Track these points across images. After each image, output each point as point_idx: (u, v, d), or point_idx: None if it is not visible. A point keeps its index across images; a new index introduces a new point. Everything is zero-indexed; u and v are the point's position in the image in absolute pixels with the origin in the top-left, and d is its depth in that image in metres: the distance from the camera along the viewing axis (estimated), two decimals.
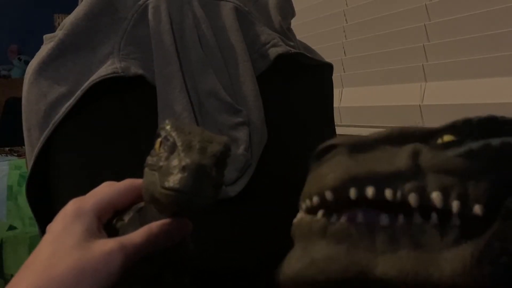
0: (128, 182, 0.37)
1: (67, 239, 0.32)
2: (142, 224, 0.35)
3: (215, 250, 0.52)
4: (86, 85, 0.50)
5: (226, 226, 0.53)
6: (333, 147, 0.32)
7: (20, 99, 0.55)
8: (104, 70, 0.51)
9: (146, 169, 0.34)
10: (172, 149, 0.33)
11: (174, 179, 0.30)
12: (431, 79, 0.96)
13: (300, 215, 0.32)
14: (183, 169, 0.30)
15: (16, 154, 2.21)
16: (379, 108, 1.07)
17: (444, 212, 0.27)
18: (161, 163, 0.32)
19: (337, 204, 0.30)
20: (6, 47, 3.26)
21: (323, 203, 0.30)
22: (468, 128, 0.28)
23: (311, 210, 0.31)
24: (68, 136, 0.52)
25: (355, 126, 1.16)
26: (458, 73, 0.90)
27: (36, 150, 0.52)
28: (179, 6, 0.55)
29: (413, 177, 0.27)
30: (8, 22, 3.26)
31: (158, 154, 0.34)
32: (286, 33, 0.62)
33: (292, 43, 0.61)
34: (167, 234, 0.34)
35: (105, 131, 0.52)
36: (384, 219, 0.27)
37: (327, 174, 0.30)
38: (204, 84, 0.54)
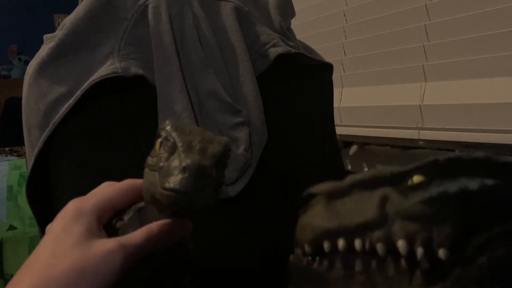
0: (128, 182, 0.37)
1: (67, 239, 0.32)
2: (142, 224, 0.35)
3: (215, 250, 0.52)
4: (86, 85, 0.50)
5: (226, 226, 0.53)
6: (313, 195, 0.36)
7: (20, 99, 0.55)
8: (104, 70, 0.51)
9: (146, 170, 0.34)
10: (173, 149, 0.33)
11: (174, 180, 0.30)
12: (431, 79, 0.96)
13: (292, 256, 0.36)
14: (184, 169, 0.30)
15: (16, 154, 2.21)
16: (379, 108, 1.07)
17: (411, 256, 0.29)
18: (161, 164, 0.32)
19: (317, 253, 0.34)
20: (6, 47, 3.26)
21: (304, 252, 0.34)
22: (436, 168, 0.30)
23: (300, 255, 0.36)
24: (68, 136, 0.52)
25: (355, 126, 1.16)
26: (458, 73, 0.90)
27: (36, 150, 0.52)
28: (179, 6, 0.55)
29: (381, 226, 0.30)
30: (8, 22, 3.26)
31: (158, 154, 0.34)
32: (286, 33, 0.62)
33: (292, 43, 0.61)
34: (167, 234, 0.34)
35: (105, 131, 0.52)
36: (358, 265, 0.31)
37: (307, 226, 0.35)
38: (204, 84, 0.54)
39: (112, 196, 0.36)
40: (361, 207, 0.31)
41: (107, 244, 0.32)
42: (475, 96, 0.85)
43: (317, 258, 0.34)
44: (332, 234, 0.32)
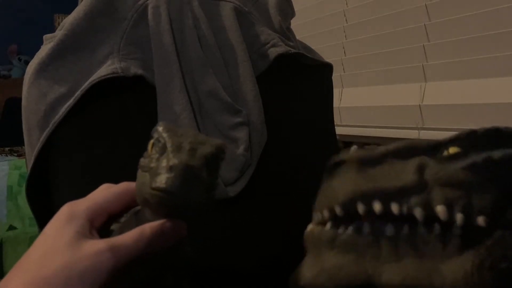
0: (124, 186, 0.38)
1: (58, 240, 0.33)
2: (137, 226, 0.35)
3: (214, 250, 0.52)
4: (86, 85, 0.50)
5: (225, 227, 0.53)
6: (342, 162, 0.33)
7: (20, 99, 0.55)
8: (104, 70, 0.51)
9: (139, 171, 0.34)
10: (163, 150, 0.33)
11: (161, 179, 0.31)
12: (431, 79, 0.96)
13: (311, 226, 0.33)
14: (170, 169, 0.31)
15: (16, 154, 2.22)
16: (379, 108, 1.07)
17: (447, 222, 0.28)
18: (152, 165, 0.33)
19: (346, 217, 0.32)
20: (6, 47, 3.26)
21: (333, 217, 0.32)
22: (472, 140, 0.29)
23: (322, 222, 0.33)
24: (68, 136, 0.52)
25: (355, 126, 1.16)
26: (458, 73, 0.90)
27: (36, 150, 0.52)
28: (178, 6, 0.55)
29: (419, 192, 0.28)
30: (8, 22, 3.26)
31: (150, 155, 0.34)
32: (286, 33, 0.62)
33: (292, 43, 0.61)
34: (160, 236, 0.34)
35: (105, 131, 0.52)
36: (389, 230, 0.29)
37: (337, 189, 0.32)
38: (203, 84, 0.54)
39: (105, 200, 0.36)
40: (397, 173, 0.30)
41: (97, 245, 0.32)
42: (475, 96, 0.85)
43: (341, 226, 0.31)
44: (367, 197, 0.30)
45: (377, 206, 0.29)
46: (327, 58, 0.68)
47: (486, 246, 0.26)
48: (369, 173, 0.31)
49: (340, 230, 0.31)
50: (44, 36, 0.57)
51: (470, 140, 0.29)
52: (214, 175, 0.33)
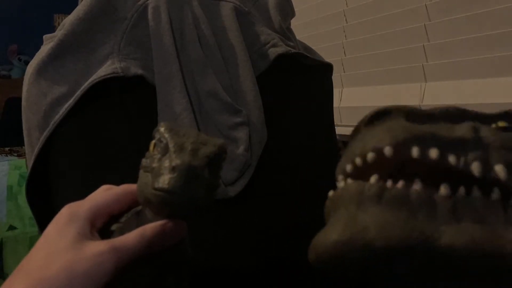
0: (124, 187, 0.38)
1: (60, 242, 0.33)
2: (138, 226, 0.35)
3: (214, 250, 0.52)
4: (86, 85, 0.50)
5: (225, 227, 0.53)
6: (387, 112, 0.29)
7: (20, 99, 0.55)
8: (104, 70, 0.51)
9: (141, 171, 0.34)
10: (165, 150, 0.33)
11: (163, 180, 0.31)
12: (431, 79, 0.96)
13: (343, 183, 0.28)
14: (173, 169, 0.31)
15: (16, 154, 2.21)
16: None
17: (503, 190, 0.26)
18: (154, 165, 0.33)
19: (394, 165, 0.27)
20: (6, 47, 3.26)
21: (377, 163, 0.27)
22: None
23: (358, 175, 0.28)
24: (68, 136, 0.52)
25: (355, 126, 1.16)
26: (458, 73, 0.90)
27: (36, 150, 0.52)
28: (178, 7, 0.55)
29: (476, 147, 0.26)
30: (8, 22, 3.26)
31: (152, 155, 0.34)
32: (286, 33, 0.62)
33: (292, 43, 0.61)
34: (161, 236, 0.34)
35: (105, 131, 0.52)
36: (444, 189, 0.26)
37: (384, 132, 0.27)
38: (203, 84, 0.54)
39: (106, 201, 0.36)
40: (450, 129, 0.27)
41: (98, 246, 0.32)
42: (475, 96, 0.85)
43: (389, 181, 0.27)
44: (424, 141, 0.26)
45: (434, 153, 0.26)
46: (327, 58, 0.68)
47: None
48: (420, 125, 0.27)
49: (389, 184, 0.26)
50: (44, 36, 0.57)
51: None
52: (216, 175, 0.34)
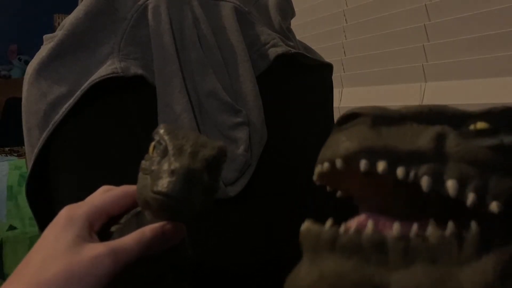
0: (124, 188, 0.37)
1: (58, 244, 0.33)
2: (138, 228, 0.35)
3: (215, 250, 0.52)
4: (86, 85, 0.50)
5: (226, 226, 0.53)
6: (356, 115, 0.29)
7: (20, 99, 0.55)
8: (104, 70, 0.51)
9: (140, 173, 0.34)
10: (164, 153, 0.33)
11: (162, 183, 0.30)
12: (431, 79, 0.96)
13: (307, 223, 0.29)
14: (172, 173, 0.30)
15: (16, 154, 2.22)
16: None
17: (460, 220, 0.25)
18: (153, 167, 0.32)
19: (346, 176, 0.28)
20: (6, 47, 3.26)
21: (333, 172, 0.28)
22: (505, 118, 0.26)
23: (323, 178, 0.29)
24: (68, 136, 0.52)
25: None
26: (458, 73, 0.90)
27: (36, 150, 0.52)
28: (178, 6, 0.55)
29: (432, 161, 0.25)
30: (8, 22, 3.26)
31: (151, 158, 0.34)
32: (286, 33, 0.62)
33: (292, 43, 0.61)
34: (161, 238, 0.34)
35: (105, 131, 0.52)
36: (396, 229, 0.25)
37: (342, 141, 0.27)
38: (203, 84, 0.54)
39: (105, 203, 0.36)
40: (413, 137, 0.26)
41: (96, 249, 0.32)
42: (475, 96, 0.85)
43: (343, 224, 0.27)
44: (373, 154, 0.26)
45: (381, 166, 0.25)
46: (327, 58, 0.68)
47: (509, 250, 0.23)
48: (383, 131, 0.27)
49: (342, 230, 0.27)
50: (44, 36, 0.57)
51: (502, 118, 0.26)
52: (215, 177, 0.33)
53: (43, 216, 0.54)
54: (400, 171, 0.25)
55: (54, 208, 0.52)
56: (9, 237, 1.83)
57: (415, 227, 0.25)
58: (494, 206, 0.24)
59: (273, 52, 0.57)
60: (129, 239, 0.34)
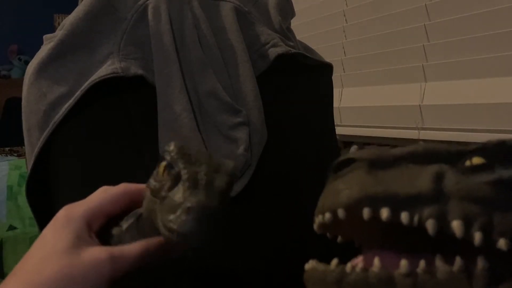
0: (122, 188, 0.37)
1: (56, 245, 0.32)
2: (139, 232, 0.34)
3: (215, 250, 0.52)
4: (86, 85, 0.50)
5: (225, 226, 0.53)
6: (351, 160, 0.29)
7: (20, 99, 0.55)
8: (104, 70, 0.51)
9: (148, 193, 0.33)
10: (177, 179, 0.31)
11: (177, 221, 0.29)
12: (431, 79, 0.96)
13: (312, 263, 0.29)
14: (188, 210, 0.29)
15: (16, 154, 2.22)
16: (379, 108, 1.07)
17: (468, 256, 0.25)
18: (163, 193, 0.31)
19: (350, 226, 0.28)
20: (6, 47, 3.26)
21: (335, 221, 0.28)
22: (500, 152, 0.26)
23: (324, 227, 0.30)
24: (68, 136, 0.52)
25: (355, 126, 1.16)
26: (458, 73, 0.90)
27: (36, 150, 0.52)
28: (179, 6, 0.55)
29: (434, 202, 0.25)
30: (8, 22, 3.26)
31: (161, 180, 0.32)
32: (286, 33, 0.62)
33: (292, 43, 0.61)
34: (164, 251, 0.34)
35: (105, 131, 0.52)
36: (403, 265, 0.25)
37: (342, 190, 0.28)
38: (203, 84, 0.54)
39: (103, 203, 0.36)
40: (412, 180, 0.26)
41: (97, 253, 0.32)
42: (475, 96, 0.85)
43: (349, 263, 0.27)
44: (375, 201, 0.26)
45: (384, 213, 0.25)
46: (327, 58, 0.68)
47: None
48: (381, 176, 0.27)
49: (348, 268, 0.26)
50: (44, 36, 0.57)
51: (497, 152, 0.26)
52: (227, 202, 0.32)
53: (43, 216, 0.54)
54: (404, 217, 0.25)
55: (54, 208, 0.52)
56: (9, 237, 1.83)
57: (422, 263, 0.25)
58: (502, 243, 0.24)
59: (273, 52, 0.57)
60: (132, 249, 0.33)
